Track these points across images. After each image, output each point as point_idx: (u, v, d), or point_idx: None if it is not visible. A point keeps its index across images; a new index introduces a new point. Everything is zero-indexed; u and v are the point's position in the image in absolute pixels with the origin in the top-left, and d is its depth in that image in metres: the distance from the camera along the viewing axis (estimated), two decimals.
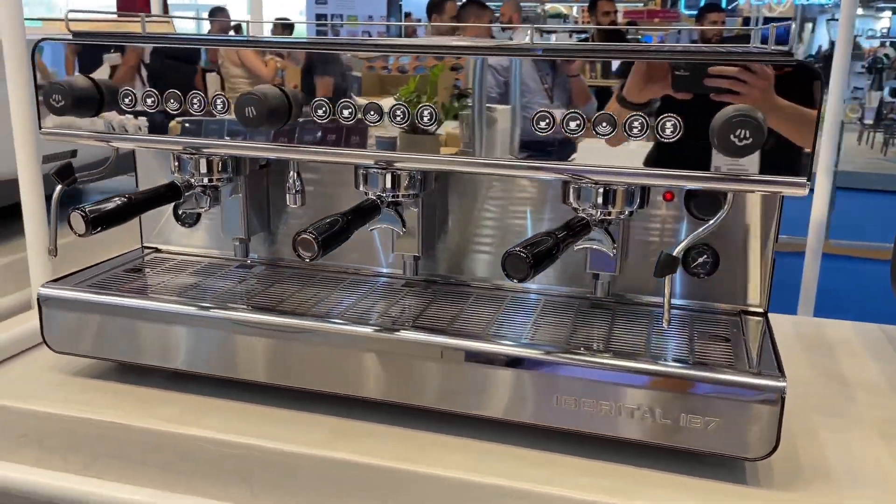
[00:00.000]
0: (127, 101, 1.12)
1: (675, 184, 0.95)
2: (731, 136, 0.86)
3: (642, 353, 1.02)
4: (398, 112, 1.00)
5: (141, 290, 1.21)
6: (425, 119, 0.99)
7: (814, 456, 1.05)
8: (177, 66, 1.10)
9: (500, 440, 1.06)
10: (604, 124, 0.95)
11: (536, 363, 1.00)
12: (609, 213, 1.03)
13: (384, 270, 1.29)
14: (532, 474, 0.99)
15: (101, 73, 1.14)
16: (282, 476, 1.07)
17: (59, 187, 1.14)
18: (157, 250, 1.42)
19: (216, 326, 1.13)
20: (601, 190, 1.01)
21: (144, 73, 1.13)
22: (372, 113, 1.02)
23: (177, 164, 1.17)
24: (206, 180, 1.18)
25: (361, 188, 1.11)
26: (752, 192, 0.95)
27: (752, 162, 0.91)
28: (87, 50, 1.14)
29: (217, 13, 8.58)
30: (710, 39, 5.55)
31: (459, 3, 5.64)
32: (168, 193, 1.14)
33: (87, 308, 1.19)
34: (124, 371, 1.24)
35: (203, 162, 1.17)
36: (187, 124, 1.11)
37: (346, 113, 1.03)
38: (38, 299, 1.20)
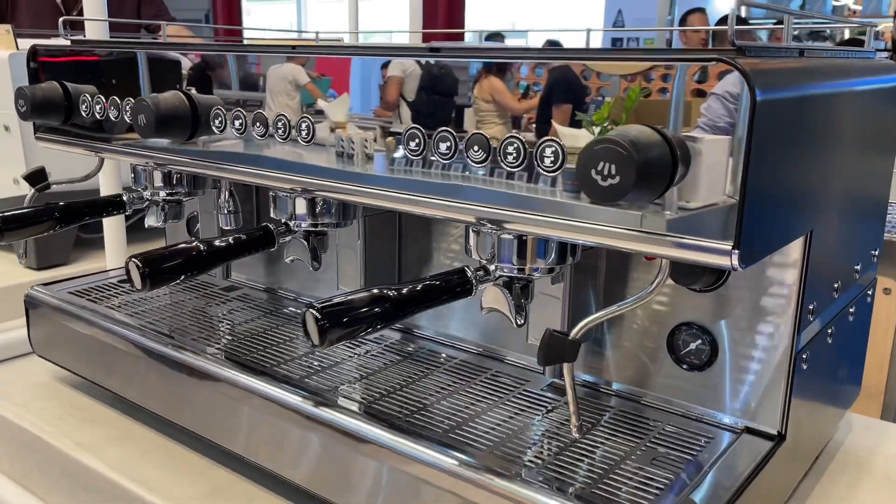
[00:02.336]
0: (84, 108, 1.09)
1: (543, 232, 0.67)
2: (593, 172, 0.57)
3: (529, 468, 0.73)
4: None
5: (103, 305, 1.17)
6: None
7: None
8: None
9: None
10: (475, 148, 0.70)
11: (388, 453, 0.77)
12: (522, 269, 0.76)
13: None
14: None
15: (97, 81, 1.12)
16: None
17: (31, 191, 1.14)
18: None
19: (133, 352, 1.05)
20: (497, 238, 0.75)
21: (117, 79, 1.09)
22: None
23: (132, 175, 1.12)
24: (163, 194, 1.11)
25: (272, 213, 0.95)
26: (652, 255, 0.63)
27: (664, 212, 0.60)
28: (71, 59, 1.13)
29: (493, 38, 8.81)
30: None
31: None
32: (110, 205, 1.09)
33: (52, 315, 1.18)
34: (87, 383, 1.21)
35: (158, 175, 1.10)
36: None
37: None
38: (25, 301, 1.22)
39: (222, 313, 1.14)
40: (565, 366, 0.69)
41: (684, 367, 0.83)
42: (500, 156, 0.68)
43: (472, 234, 0.78)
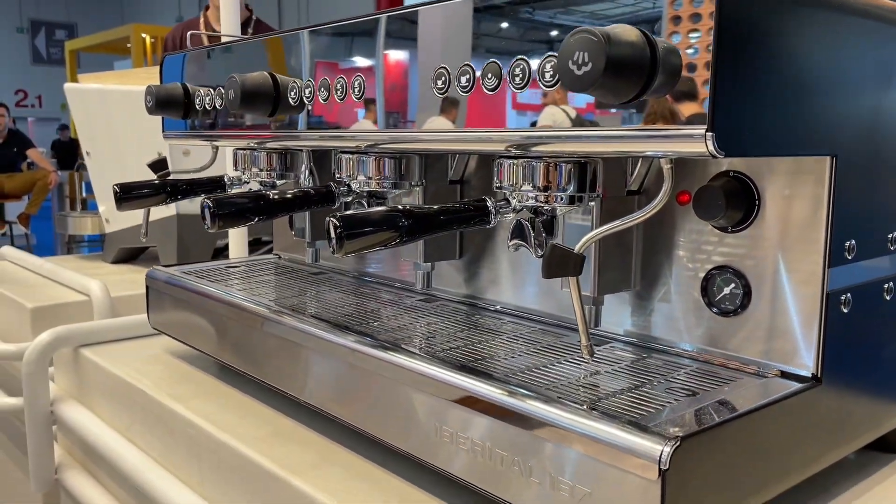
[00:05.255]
0: (198, 101, 1.25)
1: (545, 150, 0.70)
2: (570, 63, 0.61)
3: (537, 388, 0.74)
4: None
5: (205, 280, 1.30)
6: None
7: None
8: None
9: (394, 471, 0.87)
10: (490, 76, 0.75)
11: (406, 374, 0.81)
12: (543, 199, 0.79)
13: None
14: None
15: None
16: (221, 465, 1.03)
17: (154, 177, 1.31)
18: (279, 257, 1.52)
19: (223, 316, 1.16)
20: (514, 166, 0.79)
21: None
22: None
23: (234, 161, 1.25)
24: (259, 176, 1.23)
25: (336, 176, 1.04)
26: (625, 153, 0.64)
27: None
28: (188, 59, 1.31)
29: None
30: None
31: None
32: (212, 184, 1.22)
33: (165, 289, 1.32)
34: (190, 354, 1.34)
35: (253, 158, 1.22)
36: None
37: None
38: (146, 278, 1.38)
39: (313, 291, 1.23)
40: (570, 281, 0.71)
41: (714, 311, 0.81)
42: (508, 79, 0.72)
43: (495, 168, 0.82)
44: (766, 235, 0.78)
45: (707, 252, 0.82)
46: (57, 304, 1.73)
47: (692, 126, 0.59)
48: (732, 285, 0.80)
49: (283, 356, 1.04)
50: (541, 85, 0.70)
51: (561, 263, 0.70)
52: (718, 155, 0.59)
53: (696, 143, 0.59)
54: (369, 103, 0.92)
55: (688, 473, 0.60)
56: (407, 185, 1.02)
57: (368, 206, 1.03)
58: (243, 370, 1.13)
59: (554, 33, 0.71)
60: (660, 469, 0.59)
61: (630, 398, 0.71)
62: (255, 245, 1.98)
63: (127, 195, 1.16)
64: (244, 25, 3.06)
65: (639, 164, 0.85)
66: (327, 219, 0.74)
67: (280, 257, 1.52)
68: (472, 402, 0.75)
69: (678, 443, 0.59)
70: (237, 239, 1.74)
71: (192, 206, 1.90)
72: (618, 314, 0.90)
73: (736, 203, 0.77)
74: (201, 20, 3.04)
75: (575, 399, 0.71)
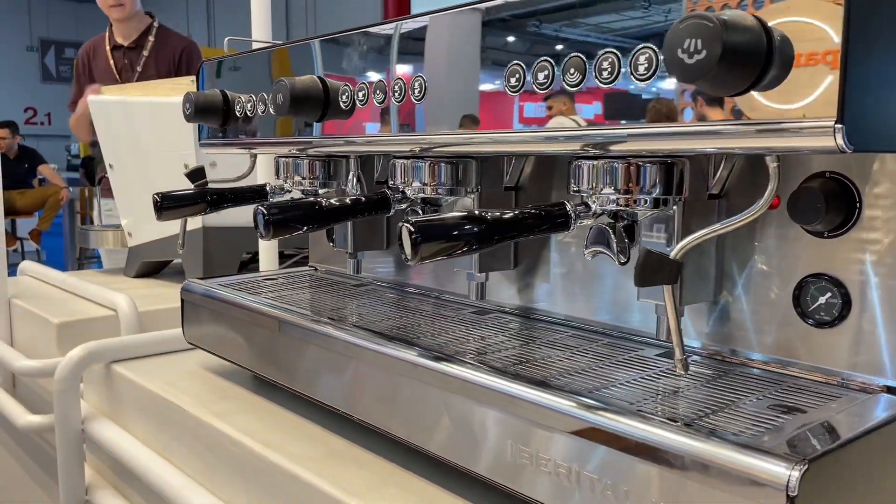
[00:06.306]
0: (238, 108, 1.21)
1: (633, 147, 0.65)
2: (679, 52, 0.56)
3: (630, 408, 0.69)
4: None
5: (244, 293, 1.25)
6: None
7: None
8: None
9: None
10: (572, 71, 0.70)
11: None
12: (625, 202, 0.74)
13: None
14: None
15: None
16: (270, 486, 0.98)
17: (192, 187, 1.26)
18: (315, 269, 1.47)
19: (267, 328, 1.11)
20: (594, 167, 0.74)
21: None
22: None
23: (276, 169, 1.21)
24: (301, 184, 1.19)
25: (390, 181, 0.99)
26: (732, 151, 0.59)
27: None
28: (225, 66, 1.27)
29: None
30: None
31: None
32: (254, 193, 1.18)
33: (201, 301, 1.28)
34: (228, 370, 1.29)
35: (295, 166, 1.18)
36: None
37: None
38: (181, 291, 1.33)
39: (359, 303, 1.18)
40: (665, 289, 0.66)
41: (809, 321, 0.76)
42: (594, 72, 0.68)
43: (573, 170, 0.77)
44: (868, 240, 0.72)
45: (798, 258, 0.77)
46: (83, 319, 1.68)
47: (818, 119, 0.54)
48: (829, 294, 0.75)
49: (335, 371, 0.99)
50: (633, 78, 0.65)
51: (656, 270, 0.65)
52: (847, 149, 0.54)
53: (823, 137, 0.54)
54: (431, 104, 0.87)
55: (815, 500, 0.55)
56: (462, 191, 0.97)
57: (423, 213, 0.98)
58: (290, 386, 1.08)
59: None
60: (787, 496, 0.53)
61: (731, 416, 0.66)
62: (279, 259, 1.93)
63: (168, 204, 1.11)
64: (145, 33, 3.08)
65: (721, 166, 0.80)
66: (400, 224, 0.70)
67: (316, 269, 1.47)
68: (555, 420, 0.69)
69: (807, 466, 0.54)
70: (267, 251, 1.69)
71: (218, 218, 1.85)
72: (699, 325, 0.84)
73: (836, 206, 0.72)
74: (107, 35, 3.11)
75: (670, 417, 0.66)
